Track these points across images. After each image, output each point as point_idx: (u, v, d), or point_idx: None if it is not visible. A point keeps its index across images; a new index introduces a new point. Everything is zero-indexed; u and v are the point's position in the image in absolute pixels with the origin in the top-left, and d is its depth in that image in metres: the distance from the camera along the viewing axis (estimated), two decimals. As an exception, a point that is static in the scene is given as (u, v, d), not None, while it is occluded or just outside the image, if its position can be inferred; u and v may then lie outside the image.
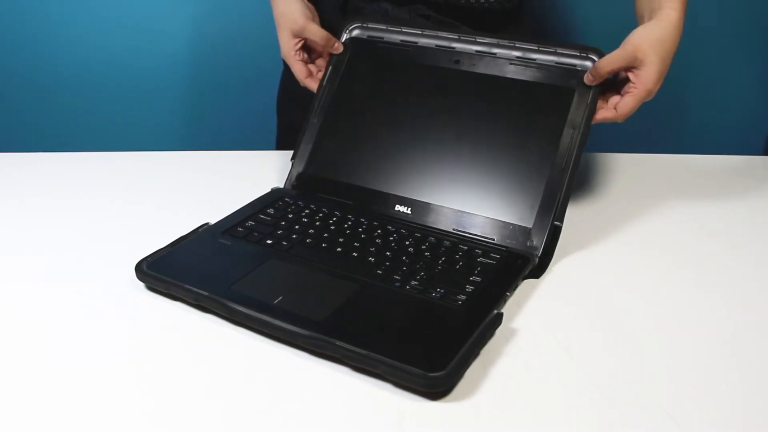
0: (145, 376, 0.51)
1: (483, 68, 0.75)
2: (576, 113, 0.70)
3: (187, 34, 1.48)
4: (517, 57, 0.74)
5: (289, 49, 0.81)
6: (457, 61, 0.76)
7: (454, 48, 0.77)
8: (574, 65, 0.72)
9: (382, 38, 0.80)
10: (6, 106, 1.52)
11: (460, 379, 0.51)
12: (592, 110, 0.70)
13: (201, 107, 1.56)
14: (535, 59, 0.73)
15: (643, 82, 0.69)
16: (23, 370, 0.52)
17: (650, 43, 0.69)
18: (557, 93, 0.72)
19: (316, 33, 0.80)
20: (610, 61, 0.69)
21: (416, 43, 0.79)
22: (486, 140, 0.72)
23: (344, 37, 0.82)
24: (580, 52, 0.72)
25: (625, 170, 0.92)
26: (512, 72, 0.74)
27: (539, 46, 0.73)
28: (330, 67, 0.81)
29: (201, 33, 1.48)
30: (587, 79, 0.70)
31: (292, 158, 0.80)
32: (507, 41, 0.75)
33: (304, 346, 0.54)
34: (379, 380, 0.51)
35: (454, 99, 0.75)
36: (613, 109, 0.71)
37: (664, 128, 1.64)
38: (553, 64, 0.73)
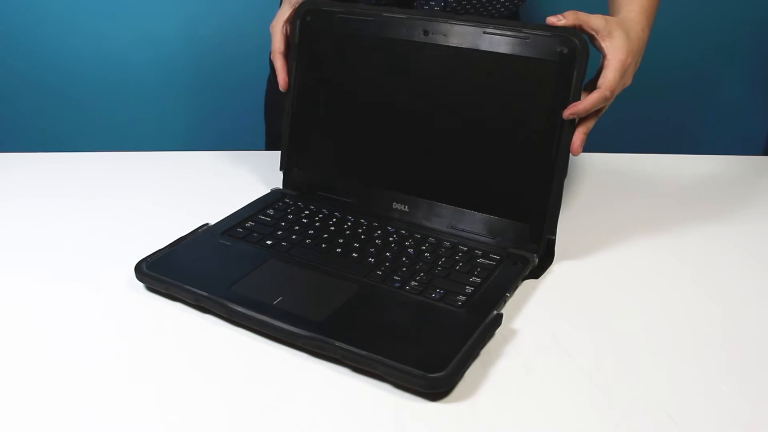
0: (145, 377, 0.51)
1: (455, 39, 0.69)
2: (560, 88, 0.65)
3: (187, 35, 1.48)
4: (491, 27, 0.67)
5: (280, 20, 0.79)
6: (426, 32, 0.70)
7: (420, 17, 0.70)
8: (550, 36, 0.65)
9: (342, 11, 0.74)
10: (7, 106, 1.52)
11: (459, 380, 0.51)
12: (579, 82, 0.64)
13: (201, 107, 1.56)
14: (508, 31, 0.67)
15: (614, 50, 0.66)
16: (23, 370, 0.52)
17: (613, 20, 0.68)
18: (539, 66, 0.65)
19: (277, 69, 0.77)
20: (581, 14, 0.66)
21: (380, 13, 0.72)
22: (474, 132, 0.69)
23: (297, 24, 0.76)
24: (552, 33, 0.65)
25: (625, 170, 0.92)
26: (487, 43, 0.67)
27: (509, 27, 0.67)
28: (294, 61, 0.77)
29: (200, 33, 1.48)
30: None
31: (281, 168, 0.79)
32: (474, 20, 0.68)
33: (304, 347, 0.54)
34: (379, 381, 0.51)
35: (430, 80, 0.70)
36: (598, 88, 0.66)
37: (664, 128, 1.64)
38: (530, 33, 0.66)
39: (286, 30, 0.79)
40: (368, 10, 0.73)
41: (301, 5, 0.76)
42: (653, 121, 1.60)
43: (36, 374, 0.52)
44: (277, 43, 0.79)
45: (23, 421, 0.47)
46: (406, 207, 0.72)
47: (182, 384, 0.51)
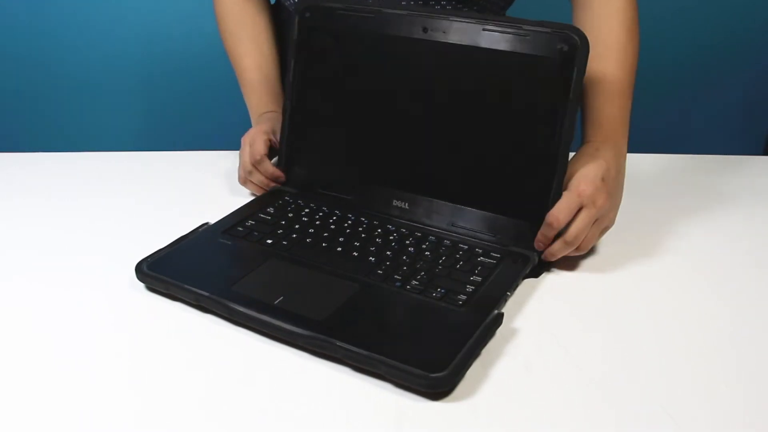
0: (146, 377, 0.51)
1: (454, 36, 0.68)
2: (560, 86, 0.64)
3: (187, 34, 1.48)
4: (490, 24, 0.67)
5: (244, 174, 0.80)
6: (425, 29, 0.69)
7: (419, 14, 0.70)
8: (549, 32, 0.65)
9: (341, 8, 0.74)
10: (6, 105, 1.52)
11: (460, 380, 0.51)
12: (579, 79, 0.64)
13: (202, 107, 1.56)
14: (508, 28, 0.66)
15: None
16: (23, 370, 0.52)
17: (590, 180, 0.65)
18: (538, 63, 0.65)
19: (267, 171, 0.77)
20: (562, 211, 0.64)
21: (380, 9, 0.72)
22: (474, 129, 0.68)
23: (296, 20, 0.76)
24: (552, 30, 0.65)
25: (625, 170, 0.92)
26: (487, 40, 0.67)
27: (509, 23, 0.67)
28: (293, 58, 0.77)
29: (201, 32, 1.48)
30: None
31: (278, 164, 0.79)
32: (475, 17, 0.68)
33: (305, 347, 0.54)
34: (380, 380, 0.51)
35: (429, 77, 0.70)
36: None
37: (664, 128, 1.64)
38: (530, 30, 0.65)
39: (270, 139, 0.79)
40: (367, 6, 0.73)
41: (300, 2, 0.76)
42: (653, 121, 1.60)
43: (37, 375, 0.52)
44: (259, 147, 0.77)
45: (24, 422, 0.47)
46: (406, 204, 0.72)
47: (183, 384, 0.51)
